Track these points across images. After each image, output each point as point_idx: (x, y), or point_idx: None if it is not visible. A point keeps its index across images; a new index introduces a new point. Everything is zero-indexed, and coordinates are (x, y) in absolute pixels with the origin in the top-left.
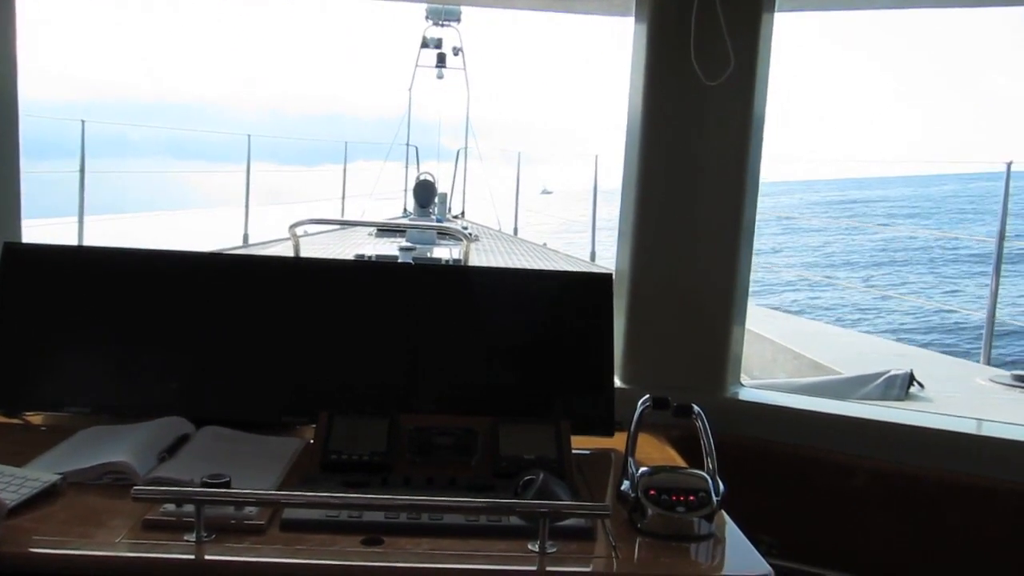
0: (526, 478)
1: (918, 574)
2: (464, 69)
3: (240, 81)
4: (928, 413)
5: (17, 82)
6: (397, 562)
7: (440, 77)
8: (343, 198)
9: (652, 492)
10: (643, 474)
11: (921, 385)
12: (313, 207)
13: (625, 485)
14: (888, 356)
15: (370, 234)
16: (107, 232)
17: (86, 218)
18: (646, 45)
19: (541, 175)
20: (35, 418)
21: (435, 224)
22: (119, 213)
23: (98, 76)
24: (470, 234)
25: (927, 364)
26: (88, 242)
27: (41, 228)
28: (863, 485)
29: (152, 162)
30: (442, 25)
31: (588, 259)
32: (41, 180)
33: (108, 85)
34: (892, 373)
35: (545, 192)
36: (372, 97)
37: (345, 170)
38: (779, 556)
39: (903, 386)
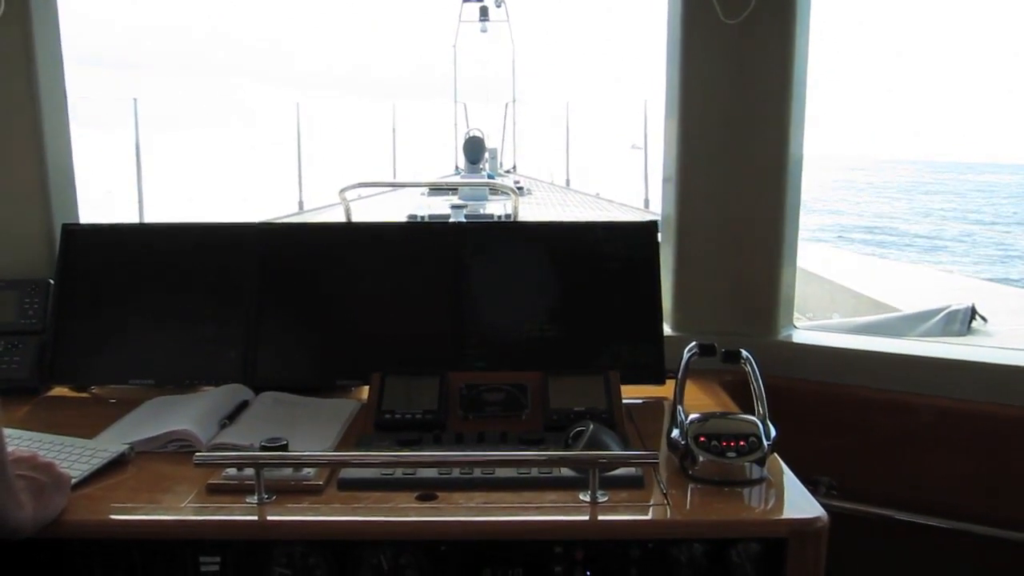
0: (576, 429)
1: (981, 513)
2: (508, 21)
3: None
4: (988, 348)
5: (63, 64)
6: (451, 516)
7: (484, 31)
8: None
9: (702, 439)
10: (692, 421)
11: (984, 319)
12: None
13: (675, 433)
14: (953, 290)
15: (422, 193)
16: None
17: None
18: None
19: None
20: (102, 391)
21: (484, 180)
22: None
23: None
24: (520, 188)
25: (994, 298)
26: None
27: None
28: (922, 424)
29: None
30: None
31: (642, 206)
32: None
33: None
34: (952, 308)
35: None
36: (413, 52)
37: (394, 131)
38: (838, 497)
39: (964, 321)
